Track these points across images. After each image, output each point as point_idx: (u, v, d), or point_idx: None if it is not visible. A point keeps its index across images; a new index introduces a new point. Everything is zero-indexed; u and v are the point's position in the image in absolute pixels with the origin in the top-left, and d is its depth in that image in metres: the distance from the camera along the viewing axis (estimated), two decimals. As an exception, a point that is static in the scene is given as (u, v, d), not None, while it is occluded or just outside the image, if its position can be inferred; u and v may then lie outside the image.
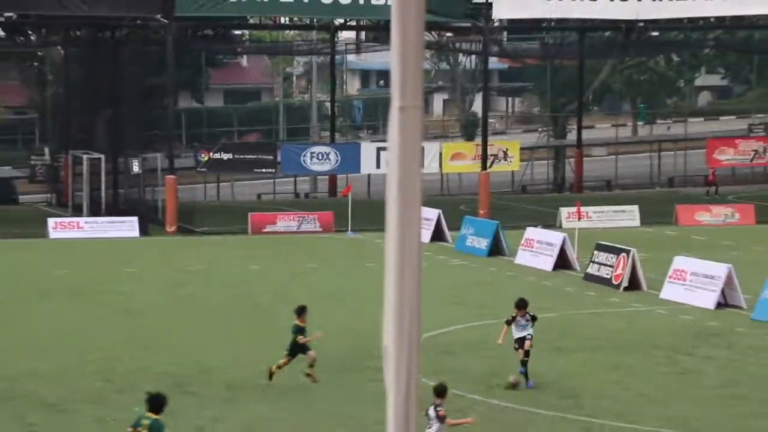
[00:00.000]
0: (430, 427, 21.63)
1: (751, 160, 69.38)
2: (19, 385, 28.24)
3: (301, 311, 28.70)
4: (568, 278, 44.02)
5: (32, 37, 73.92)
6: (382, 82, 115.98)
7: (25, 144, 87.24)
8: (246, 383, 28.68)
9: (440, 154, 64.06)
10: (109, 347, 32.23)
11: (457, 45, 78.04)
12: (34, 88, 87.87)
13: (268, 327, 35.33)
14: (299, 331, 28.41)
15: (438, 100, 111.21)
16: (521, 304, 29.45)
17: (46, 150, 79.14)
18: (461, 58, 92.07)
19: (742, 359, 31.48)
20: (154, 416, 20.59)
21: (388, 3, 60.31)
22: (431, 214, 51.99)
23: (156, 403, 20.97)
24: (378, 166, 63.81)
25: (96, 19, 60.93)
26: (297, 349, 28.54)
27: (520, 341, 28.81)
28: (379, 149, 64.37)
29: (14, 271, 46.03)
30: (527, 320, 29.20)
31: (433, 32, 65.15)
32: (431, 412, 21.67)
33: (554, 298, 39.83)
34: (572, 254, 46.00)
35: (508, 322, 28.87)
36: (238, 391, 27.90)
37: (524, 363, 28.78)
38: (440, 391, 22.12)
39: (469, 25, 65.34)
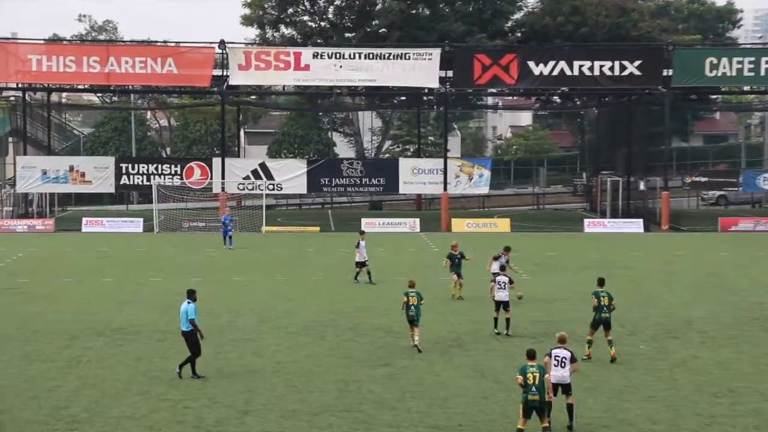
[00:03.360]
0: None
1: None
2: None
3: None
4: None
5: (577, 102, 73.28)
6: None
7: (570, 171, 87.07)
8: (716, 333, 25.94)
9: None
10: (620, 303, 30.16)
11: None
12: (577, 134, 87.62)
13: (733, 296, 32.38)
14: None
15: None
16: None
17: (584, 174, 78.31)
18: None
19: None
20: None
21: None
22: None
23: None
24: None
25: (618, 90, 58.74)
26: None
27: None
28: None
29: (566, 250, 45.03)
30: None
31: None
32: None
33: None
34: None
35: None
36: (708, 338, 25.23)
37: None
38: None
39: None
